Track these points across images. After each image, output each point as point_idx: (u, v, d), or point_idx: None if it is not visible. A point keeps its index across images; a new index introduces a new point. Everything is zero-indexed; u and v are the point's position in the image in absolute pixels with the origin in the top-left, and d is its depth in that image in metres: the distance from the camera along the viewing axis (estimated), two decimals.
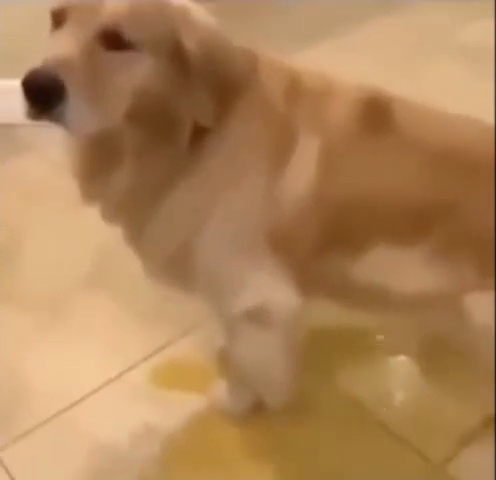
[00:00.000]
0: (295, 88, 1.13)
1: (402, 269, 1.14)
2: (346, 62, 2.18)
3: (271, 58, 1.15)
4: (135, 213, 1.14)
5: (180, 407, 1.43)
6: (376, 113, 1.14)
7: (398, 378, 1.50)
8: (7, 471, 1.35)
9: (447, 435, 1.36)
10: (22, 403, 1.47)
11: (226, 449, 1.36)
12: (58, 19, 1.00)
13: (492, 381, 1.16)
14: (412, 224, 1.12)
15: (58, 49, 0.95)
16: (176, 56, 1.00)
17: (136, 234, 1.18)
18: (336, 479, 1.31)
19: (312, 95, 1.14)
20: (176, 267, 1.18)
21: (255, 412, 1.39)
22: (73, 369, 1.53)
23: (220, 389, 1.42)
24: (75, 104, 0.94)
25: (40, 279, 1.73)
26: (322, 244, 1.14)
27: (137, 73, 0.99)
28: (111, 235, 1.23)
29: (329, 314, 1.44)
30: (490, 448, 1.31)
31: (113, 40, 0.96)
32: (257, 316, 1.20)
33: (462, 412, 1.37)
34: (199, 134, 1.07)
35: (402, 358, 1.51)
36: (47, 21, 1.03)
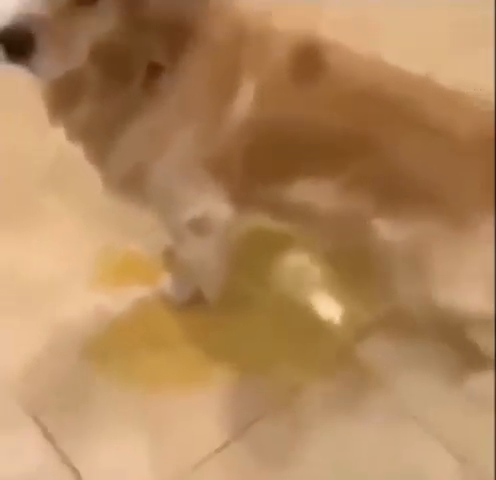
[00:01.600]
0: (241, 32, 1.27)
1: (321, 195, 1.33)
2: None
3: (222, 4, 1.28)
4: (95, 141, 1.32)
5: (129, 296, 1.65)
6: (308, 55, 1.28)
7: (317, 275, 1.75)
8: None
9: (356, 324, 1.64)
10: None
11: (166, 332, 1.60)
12: None
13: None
14: (331, 158, 1.29)
15: (31, 4, 1.06)
16: (134, 6, 1.13)
17: (96, 157, 1.36)
18: (261, 361, 1.57)
19: (255, 38, 1.28)
20: (132, 186, 1.38)
21: (194, 303, 1.63)
22: (27, 261, 1.72)
23: (165, 281, 1.65)
24: (45, 55, 1.07)
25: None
26: (255, 170, 1.33)
27: (101, 23, 1.13)
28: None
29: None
30: (393, 334, 1.59)
31: None
32: (199, 225, 1.42)
33: (369, 306, 1.65)
34: (155, 73, 1.22)
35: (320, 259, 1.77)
36: None
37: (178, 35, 1.20)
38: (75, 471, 1.41)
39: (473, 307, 1.33)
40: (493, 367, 1.48)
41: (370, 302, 1.64)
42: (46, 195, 1.85)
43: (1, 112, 1.99)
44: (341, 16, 2.21)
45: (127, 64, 1.20)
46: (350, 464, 1.44)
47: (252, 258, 1.73)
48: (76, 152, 1.37)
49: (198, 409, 1.50)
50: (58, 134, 1.34)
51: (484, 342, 1.45)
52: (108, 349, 1.59)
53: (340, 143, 1.28)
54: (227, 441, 1.47)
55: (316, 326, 1.65)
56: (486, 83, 1.90)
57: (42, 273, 1.70)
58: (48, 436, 1.46)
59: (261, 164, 1.32)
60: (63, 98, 1.28)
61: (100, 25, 1.13)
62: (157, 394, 1.51)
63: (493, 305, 1.32)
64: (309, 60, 1.29)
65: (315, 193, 1.33)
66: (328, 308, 1.69)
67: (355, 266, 1.63)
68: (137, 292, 1.67)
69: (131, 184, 1.38)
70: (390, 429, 1.49)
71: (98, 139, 1.32)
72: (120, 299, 1.65)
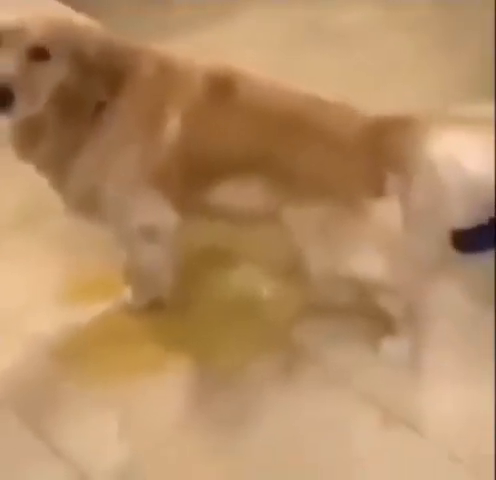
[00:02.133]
0: (166, 71, 1.62)
1: (237, 194, 1.63)
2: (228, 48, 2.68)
3: (149, 49, 1.64)
4: (57, 168, 1.65)
5: (94, 309, 1.92)
6: (222, 87, 1.61)
7: (253, 279, 2.04)
8: None
9: (289, 312, 1.91)
10: None
11: (128, 333, 1.87)
12: None
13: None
14: (242, 166, 1.58)
15: (4, 67, 1.44)
16: (80, 58, 1.50)
17: (59, 182, 1.68)
18: (209, 349, 1.83)
19: (178, 75, 1.62)
20: (88, 204, 1.69)
21: (152, 309, 1.90)
22: (9, 289, 1.99)
23: (125, 292, 1.92)
24: (19, 104, 1.46)
25: None
26: (188, 180, 1.63)
27: (55, 75, 1.50)
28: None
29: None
30: (321, 317, 1.86)
31: (38, 54, 1.47)
32: (147, 233, 1.73)
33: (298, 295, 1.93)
34: (99, 109, 1.57)
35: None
36: None
37: (113, 77, 1.56)
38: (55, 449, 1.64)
39: (371, 275, 1.61)
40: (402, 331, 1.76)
41: (299, 290, 1.92)
42: (15, 227, 2.15)
43: None
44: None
45: (78, 104, 1.56)
46: (293, 431, 1.67)
47: (198, 263, 2.03)
48: (38, 192, 1.67)
49: (158, 392, 1.74)
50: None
51: (392, 309, 1.73)
52: (78, 352, 1.84)
53: (247, 154, 1.59)
54: (184, 417, 1.70)
55: (255, 315, 1.92)
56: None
57: (15, 296, 1.97)
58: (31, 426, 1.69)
59: (192, 175, 1.63)
60: (28, 138, 1.63)
61: (53, 76, 1.51)
62: (123, 381, 1.76)
63: (389, 272, 1.61)
64: (222, 88, 1.62)
65: (235, 194, 1.63)
66: (264, 299, 1.98)
67: (284, 264, 1.92)
68: (102, 305, 1.94)
69: (88, 203, 1.69)
70: (320, 394, 1.73)
71: (57, 168, 1.66)
72: (88, 312, 1.92)
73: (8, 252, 2.11)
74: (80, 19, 1.56)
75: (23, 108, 1.48)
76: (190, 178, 1.64)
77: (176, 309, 1.90)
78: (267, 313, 1.94)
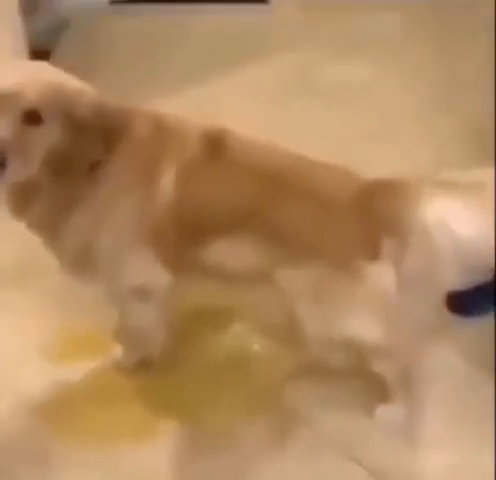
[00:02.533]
0: (160, 130, 1.62)
1: (231, 254, 1.61)
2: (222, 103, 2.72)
3: (142, 108, 1.66)
4: (50, 228, 1.64)
5: (86, 366, 1.88)
6: (214, 146, 1.62)
7: (245, 340, 2.00)
8: None
9: (281, 374, 1.88)
10: None
11: (117, 392, 1.83)
12: None
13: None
14: (233, 223, 1.58)
15: None
16: (72, 121, 1.50)
17: (52, 242, 1.67)
18: (200, 412, 1.79)
19: (171, 134, 1.63)
20: (82, 263, 1.68)
21: (142, 367, 1.86)
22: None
23: (116, 351, 1.89)
24: (12, 169, 1.46)
25: None
26: (181, 239, 1.62)
27: (49, 138, 1.50)
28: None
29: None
30: (314, 380, 1.83)
31: (32, 118, 1.46)
32: (139, 293, 1.71)
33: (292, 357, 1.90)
34: (94, 168, 1.57)
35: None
36: None
37: (107, 138, 1.57)
38: None
39: (365, 338, 1.59)
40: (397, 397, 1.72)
41: (292, 351, 1.88)
42: (7, 282, 2.12)
43: None
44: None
45: (72, 165, 1.55)
46: None
47: (190, 323, 1.99)
48: (32, 249, 1.66)
49: (144, 457, 1.70)
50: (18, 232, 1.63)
51: (387, 373, 1.70)
52: (64, 411, 1.80)
53: (238, 212, 1.59)
54: None
55: (247, 376, 1.89)
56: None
57: (3, 350, 1.95)
58: None
59: (186, 233, 1.62)
60: (21, 198, 1.62)
61: (46, 140, 1.50)
62: (111, 446, 1.71)
63: (384, 336, 1.58)
64: (215, 146, 1.62)
65: (228, 253, 1.62)
66: (257, 360, 1.95)
67: (278, 324, 1.89)
68: (92, 363, 1.91)
69: (81, 261, 1.68)
70: (313, 459, 1.69)
71: (51, 227, 1.65)
72: (77, 370, 1.88)
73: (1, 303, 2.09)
74: (73, 82, 1.56)
75: (16, 172, 1.47)
76: (183, 236, 1.63)
77: (166, 368, 1.87)
78: (259, 373, 1.90)
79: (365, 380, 1.76)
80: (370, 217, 1.54)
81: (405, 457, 1.67)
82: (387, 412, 1.73)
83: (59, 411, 1.80)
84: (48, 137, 1.49)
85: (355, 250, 1.54)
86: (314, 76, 3.12)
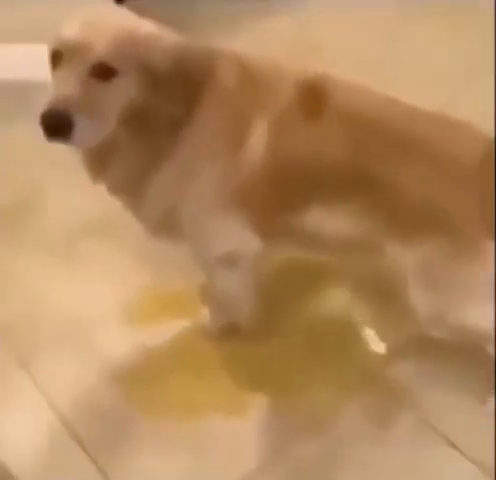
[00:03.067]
0: (248, 78, 1.41)
1: (334, 221, 1.42)
2: None
3: (227, 53, 1.43)
4: (132, 191, 1.47)
5: (170, 329, 1.76)
6: (313, 94, 1.39)
7: (346, 304, 1.82)
8: (35, 381, 1.71)
9: (381, 349, 1.71)
10: (45, 325, 1.81)
11: (205, 361, 1.70)
12: (55, 59, 1.29)
13: None
14: (339, 187, 1.38)
15: (62, 88, 1.26)
16: (149, 71, 1.30)
17: (134, 205, 1.51)
18: (294, 386, 1.65)
19: (262, 83, 1.41)
20: (167, 227, 1.52)
21: (230, 332, 1.72)
22: (85, 299, 1.86)
23: (203, 315, 1.75)
24: (80, 131, 1.26)
25: (55, 228, 2.05)
26: (275, 202, 1.43)
27: (124, 93, 1.30)
28: None
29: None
30: (420, 361, 1.65)
31: (102, 71, 1.26)
32: (228, 260, 1.54)
33: (396, 331, 1.72)
34: (175, 125, 1.37)
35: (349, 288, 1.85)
36: None
37: (190, 89, 1.36)
38: None
39: (485, 325, 1.39)
40: None
41: (397, 324, 1.70)
42: (91, 239, 2.00)
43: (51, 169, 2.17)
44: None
45: (152, 122, 1.36)
46: None
47: (283, 287, 1.82)
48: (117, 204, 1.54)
49: (235, 433, 1.58)
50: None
51: None
52: (149, 379, 1.69)
53: (346, 173, 1.37)
54: (263, 464, 1.54)
55: (346, 349, 1.72)
56: None
57: (91, 309, 1.84)
58: (94, 461, 1.56)
59: (280, 195, 1.43)
60: (99, 160, 1.44)
61: (121, 95, 1.31)
62: (197, 418, 1.61)
63: None
64: (315, 96, 1.40)
65: (329, 219, 1.42)
66: (357, 331, 1.77)
67: (382, 291, 1.69)
68: (177, 326, 1.78)
69: (166, 225, 1.52)
70: (418, 447, 1.54)
71: (132, 190, 1.48)
72: (162, 333, 1.77)
73: (86, 257, 1.98)
74: (148, 27, 1.35)
75: (87, 134, 1.29)
76: (277, 199, 1.44)
77: (256, 337, 1.72)
78: (360, 347, 1.73)
79: (478, 362, 1.56)
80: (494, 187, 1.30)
81: None
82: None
83: (141, 379, 1.69)
84: (122, 92, 1.30)
85: (478, 227, 1.31)
86: None
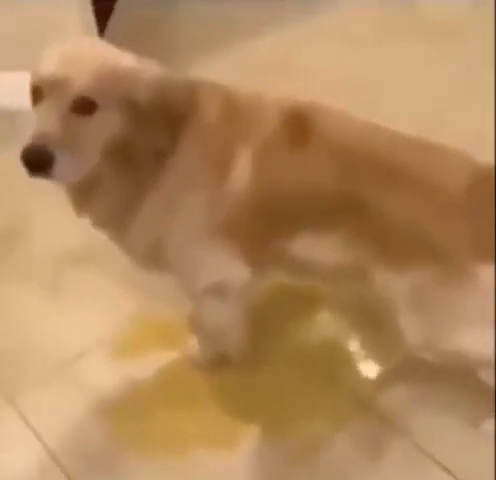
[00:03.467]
0: (230, 109, 1.40)
1: (322, 249, 1.41)
2: None
3: (210, 85, 1.42)
4: (116, 224, 1.45)
5: (159, 360, 1.74)
6: (297, 122, 1.39)
7: (337, 332, 1.81)
8: (22, 416, 1.67)
9: (375, 376, 1.70)
10: (29, 359, 1.79)
11: (195, 392, 1.68)
12: (36, 94, 1.28)
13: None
14: (327, 215, 1.37)
15: (42, 124, 1.25)
16: (131, 105, 1.29)
17: (120, 238, 1.49)
18: (283, 416, 1.63)
19: (244, 113, 1.40)
20: (153, 257, 1.50)
21: (219, 362, 1.70)
22: (70, 330, 1.84)
23: (191, 345, 1.73)
24: (61, 167, 1.25)
25: (41, 256, 2.04)
26: (262, 231, 1.42)
27: (106, 127, 1.29)
28: None
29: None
30: (411, 387, 1.64)
31: (83, 106, 1.25)
32: (216, 291, 1.52)
33: (386, 358, 1.71)
34: (159, 157, 1.36)
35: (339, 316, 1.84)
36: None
37: (173, 121, 1.35)
38: None
39: (477, 351, 1.37)
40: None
41: (388, 349, 1.69)
42: (78, 268, 2.00)
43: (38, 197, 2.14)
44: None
45: (135, 154, 1.34)
46: None
47: (272, 314, 1.81)
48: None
49: (226, 466, 1.56)
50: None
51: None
52: (137, 412, 1.67)
53: (333, 200, 1.36)
54: None
55: (337, 375, 1.70)
56: None
57: (77, 340, 1.83)
58: None
59: (267, 223, 1.41)
60: (82, 194, 1.42)
61: (103, 129, 1.30)
62: (187, 452, 1.58)
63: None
64: (299, 125, 1.39)
65: (317, 247, 1.41)
66: (348, 357, 1.76)
67: (373, 316, 1.67)
68: (165, 357, 1.76)
69: (153, 257, 1.50)
70: (412, 473, 1.52)
71: (117, 223, 1.46)
72: (150, 364, 1.75)
73: (73, 285, 1.97)
74: (129, 60, 1.33)
75: (69, 169, 1.28)
76: (264, 227, 1.43)
77: (247, 365, 1.70)
78: (351, 373, 1.71)
79: (468, 387, 1.55)
80: (485, 212, 1.30)
81: None
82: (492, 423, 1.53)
83: (129, 412, 1.67)
84: (104, 126, 1.29)
85: (468, 251, 1.30)
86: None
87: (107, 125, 1.29)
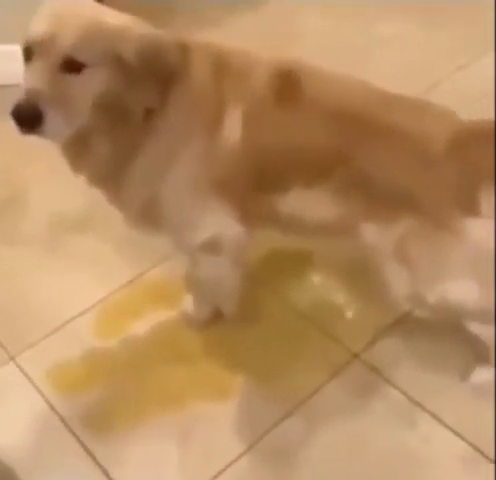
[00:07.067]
0: (222, 67, 1.42)
1: (312, 204, 1.44)
2: None
3: (200, 44, 1.44)
4: (111, 181, 1.47)
5: (156, 318, 1.79)
6: (287, 82, 1.41)
7: (328, 288, 1.86)
8: (23, 372, 1.73)
9: (365, 330, 1.73)
10: (30, 319, 1.83)
11: (190, 348, 1.73)
12: (27, 54, 1.30)
13: None
14: (316, 171, 1.40)
15: (31, 82, 1.27)
16: (120, 63, 1.30)
17: (115, 195, 1.51)
18: (275, 369, 1.67)
19: (236, 71, 1.42)
20: (147, 215, 1.52)
21: (214, 321, 1.75)
22: (69, 292, 1.89)
23: (186, 303, 1.77)
24: (51, 122, 1.27)
25: (39, 223, 2.08)
26: (253, 187, 1.45)
27: (94, 86, 1.30)
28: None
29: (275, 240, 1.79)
30: (401, 340, 1.69)
31: (71, 65, 1.27)
32: (210, 246, 1.55)
33: (376, 312, 1.75)
34: (151, 114, 1.38)
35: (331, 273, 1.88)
36: None
37: (163, 79, 1.37)
38: (107, 474, 1.54)
39: (465, 302, 1.41)
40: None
41: (379, 305, 1.72)
42: (74, 232, 2.04)
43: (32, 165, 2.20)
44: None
45: (125, 112, 1.36)
46: (365, 462, 1.52)
47: (265, 272, 1.85)
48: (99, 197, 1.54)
49: (220, 418, 1.60)
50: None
51: (485, 335, 1.52)
52: (135, 369, 1.71)
53: (321, 156, 1.39)
54: (246, 448, 1.56)
55: (328, 330, 1.75)
56: None
57: (74, 302, 1.87)
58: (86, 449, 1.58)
59: (259, 179, 1.44)
60: (76, 151, 1.44)
61: (92, 87, 1.31)
62: (181, 405, 1.63)
63: (485, 298, 1.39)
64: (289, 82, 1.41)
65: (307, 200, 1.44)
66: (340, 311, 1.80)
67: (363, 273, 1.71)
68: (161, 315, 1.80)
69: (147, 215, 1.52)
70: (399, 424, 1.57)
71: (111, 180, 1.48)
72: (146, 323, 1.79)
73: (69, 249, 2.01)
74: (116, 18, 1.35)
75: (58, 126, 1.29)
76: (256, 184, 1.45)
77: (240, 322, 1.75)
78: (342, 329, 1.75)
79: (456, 339, 1.61)
80: (468, 166, 1.32)
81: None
82: (481, 375, 1.58)
83: (126, 369, 1.72)
84: (93, 84, 1.31)
85: (452, 204, 1.33)
86: None
87: (95, 82, 1.31)
